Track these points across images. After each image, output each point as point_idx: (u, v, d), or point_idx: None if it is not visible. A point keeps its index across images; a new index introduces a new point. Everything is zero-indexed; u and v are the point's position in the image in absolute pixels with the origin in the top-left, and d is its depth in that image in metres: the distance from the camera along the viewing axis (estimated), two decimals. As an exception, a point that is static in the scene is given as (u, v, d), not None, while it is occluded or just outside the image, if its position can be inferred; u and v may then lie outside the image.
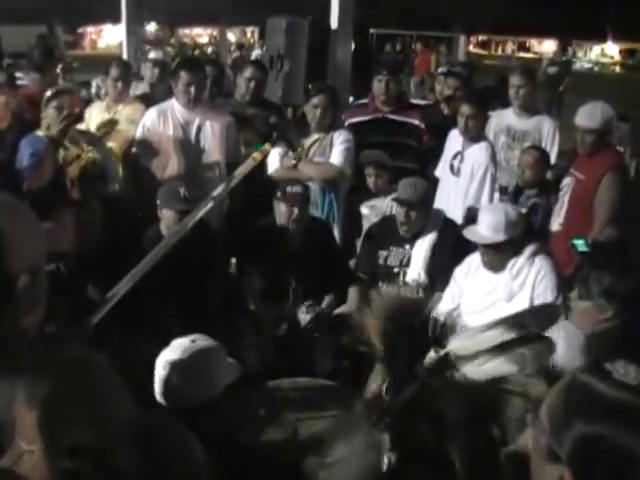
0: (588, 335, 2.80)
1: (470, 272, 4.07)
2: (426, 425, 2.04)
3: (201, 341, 2.64)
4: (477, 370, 1.99)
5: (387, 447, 2.07)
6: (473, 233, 3.98)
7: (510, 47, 37.06)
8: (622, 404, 1.27)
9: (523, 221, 4.04)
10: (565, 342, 2.70)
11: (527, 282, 3.84)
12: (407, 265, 4.41)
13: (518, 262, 3.86)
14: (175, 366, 2.51)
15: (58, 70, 7.34)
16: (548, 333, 2.76)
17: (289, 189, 4.35)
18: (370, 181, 5.06)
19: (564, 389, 1.35)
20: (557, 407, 1.32)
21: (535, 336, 2.06)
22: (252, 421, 3.09)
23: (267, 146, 3.18)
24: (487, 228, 3.86)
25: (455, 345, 2.02)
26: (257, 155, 3.17)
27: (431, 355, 2.01)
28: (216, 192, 3.06)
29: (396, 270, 4.42)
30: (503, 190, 5.17)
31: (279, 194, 4.38)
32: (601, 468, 1.24)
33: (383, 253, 4.49)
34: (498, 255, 3.89)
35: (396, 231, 4.46)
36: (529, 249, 3.89)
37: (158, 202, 4.18)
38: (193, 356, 2.54)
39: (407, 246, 4.44)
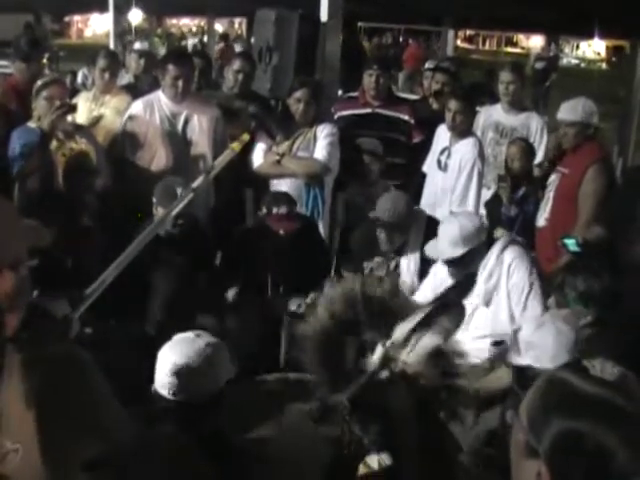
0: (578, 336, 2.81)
1: (437, 284, 3.91)
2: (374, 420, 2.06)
3: (205, 336, 2.63)
4: (413, 352, 2.00)
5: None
6: (432, 249, 3.91)
7: (497, 42, 37.10)
8: (599, 400, 1.29)
9: (483, 230, 3.90)
10: (554, 338, 2.71)
11: (501, 281, 3.74)
12: (395, 272, 4.33)
13: (489, 263, 3.75)
14: (182, 360, 2.50)
15: (45, 60, 7.28)
16: (540, 329, 2.79)
17: (274, 209, 4.29)
18: (364, 169, 5.05)
19: (542, 386, 1.36)
20: (535, 404, 1.34)
21: (449, 303, 2.09)
22: (241, 417, 3.09)
23: (245, 136, 3.16)
24: (445, 243, 3.78)
25: (394, 336, 2.04)
26: (235, 145, 3.16)
27: (379, 349, 2.01)
28: (195, 183, 3.04)
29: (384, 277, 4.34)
30: (502, 178, 5.18)
31: (265, 210, 4.33)
32: (578, 464, 1.26)
33: (368, 265, 4.41)
34: (462, 268, 3.77)
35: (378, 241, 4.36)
36: (497, 246, 3.79)
37: (154, 200, 4.16)
38: (199, 350, 2.53)
39: (392, 255, 4.37)
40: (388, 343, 2.01)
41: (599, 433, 1.25)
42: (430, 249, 3.95)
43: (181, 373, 2.47)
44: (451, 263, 3.79)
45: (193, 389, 2.48)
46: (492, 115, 5.70)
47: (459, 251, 3.73)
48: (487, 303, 3.77)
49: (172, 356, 2.51)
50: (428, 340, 2.03)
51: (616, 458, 1.23)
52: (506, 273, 3.72)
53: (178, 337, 2.60)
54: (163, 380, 2.48)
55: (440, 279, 3.90)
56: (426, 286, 4.02)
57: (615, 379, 1.31)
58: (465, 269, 3.77)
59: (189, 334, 2.60)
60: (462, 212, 4.80)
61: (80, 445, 1.50)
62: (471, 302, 3.77)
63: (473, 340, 3.60)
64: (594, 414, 1.27)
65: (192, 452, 1.57)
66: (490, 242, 3.85)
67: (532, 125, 5.55)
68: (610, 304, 3.07)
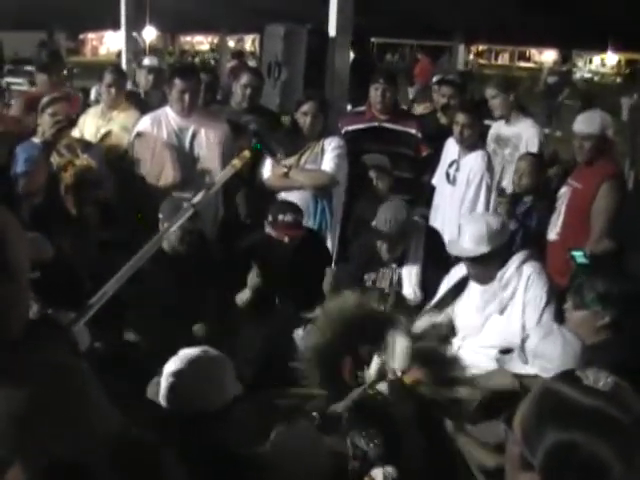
0: (589, 346, 2.78)
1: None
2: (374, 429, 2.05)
3: (211, 351, 2.64)
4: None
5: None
6: (455, 247, 3.88)
7: (509, 56, 37.13)
8: (594, 411, 1.26)
9: (507, 230, 3.94)
10: (561, 347, 2.69)
11: (518, 291, 3.72)
12: (398, 284, 4.29)
13: (507, 272, 3.75)
14: (182, 375, 2.51)
15: (65, 72, 7.35)
16: (547, 339, 2.76)
17: (280, 217, 4.25)
18: (372, 185, 5.03)
19: (536, 398, 1.35)
20: (529, 416, 1.32)
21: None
22: (245, 432, 3.07)
23: (246, 153, 3.15)
24: (469, 241, 3.75)
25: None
26: (236, 162, 3.14)
27: (375, 360, 2.00)
28: (196, 199, 3.03)
29: (387, 291, 4.26)
30: (501, 192, 5.16)
31: (270, 218, 4.30)
32: (572, 476, 1.24)
33: (370, 276, 4.36)
34: (484, 267, 3.78)
35: (379, 253, 4.32)
36: (518, 257, 3.79)
37: (160, 216, 4.15)
38: (206, 364, 2.55)
39: (393, 265, 4.32)
40: (383, 355, 2.00)
41: (594, 445, 1.23)
42: (452, 247, 3.93)
43: (179, 386, 2.48)
44: (473, 261, 3.78)
45: (190, 402, 2.47)
46: (497, 128, 5.74)
47: (483, 249, 3.70)
48: (501, 311, 3.76)
49: (172, 369, 2.51)
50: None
51: (611, 470, 1.22)
52: (524, 285, 3.71)
53: (182, 352, 2.59)
54: (163, 392, 2.48)
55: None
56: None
57: (609, 389, 1.28)
58: (486, 268, 3.77)
59: (195, 350, 2.60)
60: (486, 212, 4.80)
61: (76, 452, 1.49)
62: (485, 310, 3.80)
63: (484, 349, 3.59)
64: (588, 425, 1.25)
65: (165, 461, 1.56)
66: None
67: (524, 134, 5.53)
68: (627, 307, 3.05)
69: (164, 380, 2.53)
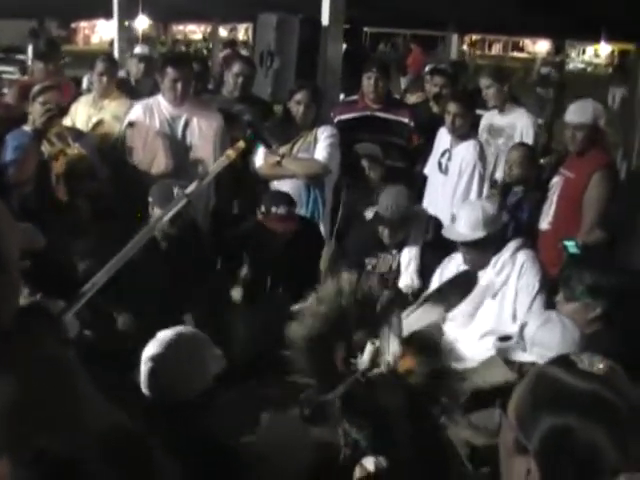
0: (583, 333, 2.79)
1: (446, 273, 3.94)
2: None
3: (187, 331, 2.63)
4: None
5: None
6: (452, 232, 3.91)
7: (503, 47, 37.07)
8: (588, 395, 1.27)
9: (502, 216, 3.99)
10: (560, 335, 2.70)
11: (511, 277, 3.76)
12: (397, 270, 4.33)
13: (501, 258, 3.79)
14: (162, 358, 2.48)
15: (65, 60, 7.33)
16: (546, 326, 2.77)
17: (273, 209, 4.27)
18: (364, 174, 5.03)
19: (531, 383, 1.35)
20: (524, 401, 1.32)
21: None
22: (233, 422, 3.07)
23: (240, 144, 3.14)
24: (465, 225, 3.80)
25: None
26: (230, 153, 3.13)
27: (368, 348, 2.00)
28: (189, 189, 3.02)
29: (386, 277, 4.30)
30: (493, 183, 5.17)
31: (263, 210, 4.31)
32: (568, 459, 1.24)
33: (371, 261, 4.39)
34: (478, 252, 3.81)
35: (380, 238, 4.37)
36: (512, 245, 3.82)
37: (150, 200, 4.14)
38: (184, 345, 2.52)
39: (394, 251, 4.37)
40: (377, 342, 2.00)
41: (589, 428, 1.23)
42: (448, 231, 3.95)
43: (161, 372, 2.46)
44: (468, 246, 3.82)
45: (177, 387, 2.45)
46: (489, 117, 5.76)
47: (479, 234, 3.75)
48: (494, 296, 3.79)
49: (149, 352, 2.49)
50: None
51: (606, 453, 1.22)
52: (517, 273, 3.75)
53: (160, 335, 2.57)
54: (145, 381, 2.46)
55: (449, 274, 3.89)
56: (434, 283, 4.01)
57: (604, 373, 1.28)
58: (481, 254, 3.80)
59: (169, 331, 2.58)
60: (482, 198, 4.84)
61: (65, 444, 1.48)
62: (478, 297, 3.78)
63: (478, 340, 3.61)
64: (583, 409, 1.25)
65: (155, 454, 1.54)
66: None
67: (519, 124, 5.55)
68: (617, 298, 3.06)
69: (143, 365, 2.49)
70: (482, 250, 3.80)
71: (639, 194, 5.11)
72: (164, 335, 2.56)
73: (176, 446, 2.16)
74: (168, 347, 2.50)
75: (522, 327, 2.86)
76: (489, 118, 5.74)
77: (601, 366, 1.30)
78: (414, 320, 2.17)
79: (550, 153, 6.50)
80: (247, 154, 4.88)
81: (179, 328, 2.63)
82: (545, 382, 1.32)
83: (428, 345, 2.15)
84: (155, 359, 2.47)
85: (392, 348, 2.11)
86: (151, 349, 2.52)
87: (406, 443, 2.01)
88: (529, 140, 5.42)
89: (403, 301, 3.91)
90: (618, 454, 1.22)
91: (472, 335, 3.68)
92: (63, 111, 4.55)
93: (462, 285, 2.86)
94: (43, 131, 4.31)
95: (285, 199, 4.39)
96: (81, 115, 5.25)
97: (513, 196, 4.94)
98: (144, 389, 2.49)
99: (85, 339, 3.48)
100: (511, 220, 4.80)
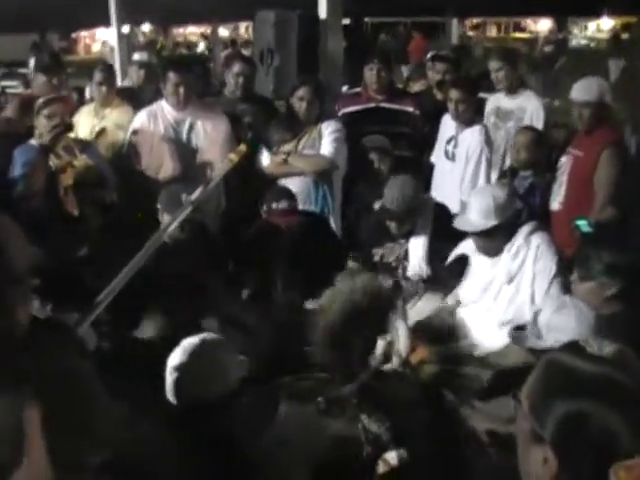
0: (600, 317, 2.77)
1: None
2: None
3: (209, 338, 2.65)
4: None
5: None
6: (463, 222, 3.84)
7: (504, 28, 36.84)
8: (600, 379, 1.26)
9: (514, 202, 3.93)
10: (575, 319, 2.68)
11: (527, 261, 3.68)
12: (405, 259, 4.29)
13: (516, 243, 3.72)
14: (187, 367, 2.52)
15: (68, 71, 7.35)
16: (560, 311, 2.76)
17: (274, 205, 4.29)
18: (374, 167, 5.02)
19: (541, 371, 1.34)
20: (536, 389, 1.32)
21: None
22: (252, 422, 3.08)
23: (242, 147, 3.14)
24: (476, 214, 3.73)
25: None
26: (233, 156, 3.14)
27: (380, 343, 2.00)
28: (194, 196, 3.03)
29: (394, 265, 4.29)
30: (503, 174, 5.13)
31: (265, 207, 4.33)
32: (583, 445, 1.23)
33: (378, 251, 4.36)
34: (491, 241, 3.75)
35: (387, 227, 4.32)
36: (525, 229, 3.75)
37: (159, 207, 4.16)
38: (204, 354, 2.55)
39: (402, 240, 4.32)
40: (389, 337, 2.00)
41: (602, 412, 1.22)
42: (460, 222, 3.88)
43: (181, 376, 2.49)
44: (481, 235, 3.75)
45: (195, 392, 2.47)
46: (495, 101, 5.68)
47: (492, 222, 3.67)
48: (510, 281, 3.73)
49: (174, 361, 2.52)
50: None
51: (621, 436, 1.21)
52: (533, 256, 3.68)
53: (184, 342, 2.60)
54: (171, 388, 2.49)
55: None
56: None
57: (613, 356, 1.28)
58: (495, 242, 3.74)
59: (193, 338, 2.60)
60: (492, 185, 4.77)
61: (81, 453, 1.51)
62: (493, 283, 3.77)
63: (498, 328, 3.57)
64: (596, 393, 1.24)
65: (190, 457, 1.56)
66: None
67: (528, 107, 5.47)
68: (635, 277, 3.04)
69: (168, 375, 2.52)
70: (495, 238, 3.73)
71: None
72: (188, 343, 2.59)
73: (198, 446, 2.18)
74: (192, 356, 2.52)
75: (536, 314, 2.84)
76: (495, 101, 5.66)
77: (610, 349, 1.29)
78: (418, 310, 2.17)
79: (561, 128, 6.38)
80: (250, 156, 4.88)
81: (202, 336, 2.66)
82: (555, 369, 1.32)
83: (440, 333, 2.15)
84: (180, 368, 2.50)
85: (402, 337, 2.11)
86: (176, 358, 2.54)
87: (425, 434, 2.01)
88: (539, 122, 5.35)
89: (411, 290, 3.94)
90: (632, 435, 1.21)
91: (490, 324, 3.64)
92: (69, 127, 4.54)
93: (456, 269, 2.84)
94: (51, 146, 4.32)
95: (285, 193, 4.40)
96: (84, 125, 5.26)
97: (522, 180, 4.89)
98: (170, 397, 2.52)
99: (103, 350, 3.49)
100: (524, 207, 4.76)
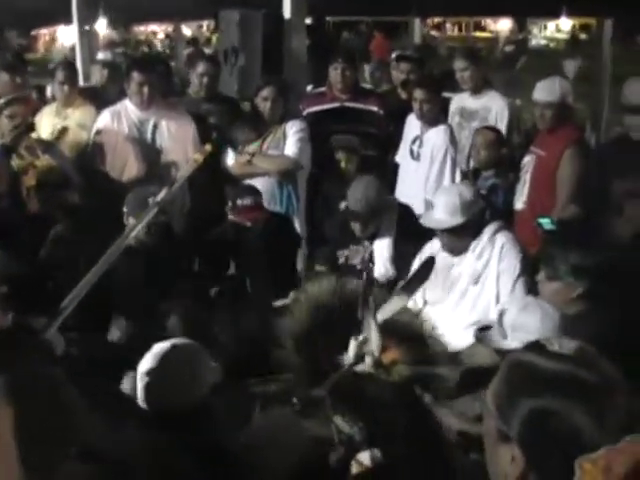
0: (566, 317, 2.80)
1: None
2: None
3: (182, 342, 2.61)
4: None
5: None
6: (430, 219, 3.88)
7: (465, 27, 37.07)
8: (562, 376, 1.28)
9: (480, 200, 3.95)
10: (540, 318, 2.71)
11: (491, 261, 3.73)
12: (370, 261, 4.26)
13: (480, 242, 3.76)
14: (157, 372, 2.48)
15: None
16: (525, 311, 2.78)
17: (239, 202, 4.27)
18: (340, 166, 5.02)
19: (505, 370, 1.36)
20: (501, 389, 1.33)
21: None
22: (226, 423, 3.06)
23: (207, 147, 3.13)
24: (443, 212, 3.77)
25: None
26: (197, 157, 3.13)
27: (352, 343, 2.01)
28: (159, 197, 3.01)
29: (359, 268, 4.20)
30: (464, 175, 5.17)
31: (230, 204, 4.31)
32: (549, 442, 1.25)
33: (343, 252, 4.34)
34: (457, 238, 3.79)
35: (352, 230, 4.31)
36: (490, 228, 3.80)
37: (125, 210, 4.11)
38: (179, 358, 2.51)
39: (366, 242, 4.31)
40: (361, 337, 2.01)
41: (566, 408, 1.24)
42: (426, 219, 3.92)
43: (151, 382, 2.45)
44: (447, 233, 3.79)
45: (172, 398, 2.44)
46: (460, 101, 5.72)
47: (458, 219, 3.72)
48: (475, 282, 3.77)
49: (144, 366, 2.49)
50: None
51: (585, 431, 1.23)
52: (497, 255, 3.73)
53: (154, 348, 2.57)
54: (141, 394, 2.46)
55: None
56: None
57: (574, 353, 1.30)
58: (461, 239, 3.78)
59: (164, 343, 2.57)
60: (458, 183, 4.80)
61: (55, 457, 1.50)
62: (458, 283, 3.81)
63: (464, 329, 3.59)
64: (559, 390, 1.26)
65: (166, 463, 1.55)
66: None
67: (493, 106, 5.51)
68: (600, 277, 3.08)
69: (139, 380, 2.49)
70: (461, 236, 3.77)
71: (609, 166, 5.12)
72: (159, 348, 2.55)
73: (176, 454, 2.17)
74: (163, 361, 2.49)
75: (501, 314, 2.87)
76: (459, 101, 5.70)
77: (571, 347, 1.31)
78: (384, 310, 2.18)
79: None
80: (215, 156, 4.85)
81: (173, 340, 2.62)
82: (518, 368, 1.33)
83: (410, 334, 2.16)
84: (151, 374, 2.47)
85: (373, 337, 2.11)
86: (146, 364, 2.51)
87: (399, 434, 2.02)
88: (504, 122, 5.41)
89: (379, 291, 3.93)
90: (596, 431, 1.23)
91: (457, 325, 3.66)
92: (31, 126, 4.49)
93: (420, 270, 2.86)
94: (13, 146, 4.27)
95: (249, 190, 4.41)
96: (46, 125, 5.19)
97: (484, 180, 4.93)
98: (141, 402, 2.48)
99: (72, 354, 3.45)
100: (487, 206, 4.79)
